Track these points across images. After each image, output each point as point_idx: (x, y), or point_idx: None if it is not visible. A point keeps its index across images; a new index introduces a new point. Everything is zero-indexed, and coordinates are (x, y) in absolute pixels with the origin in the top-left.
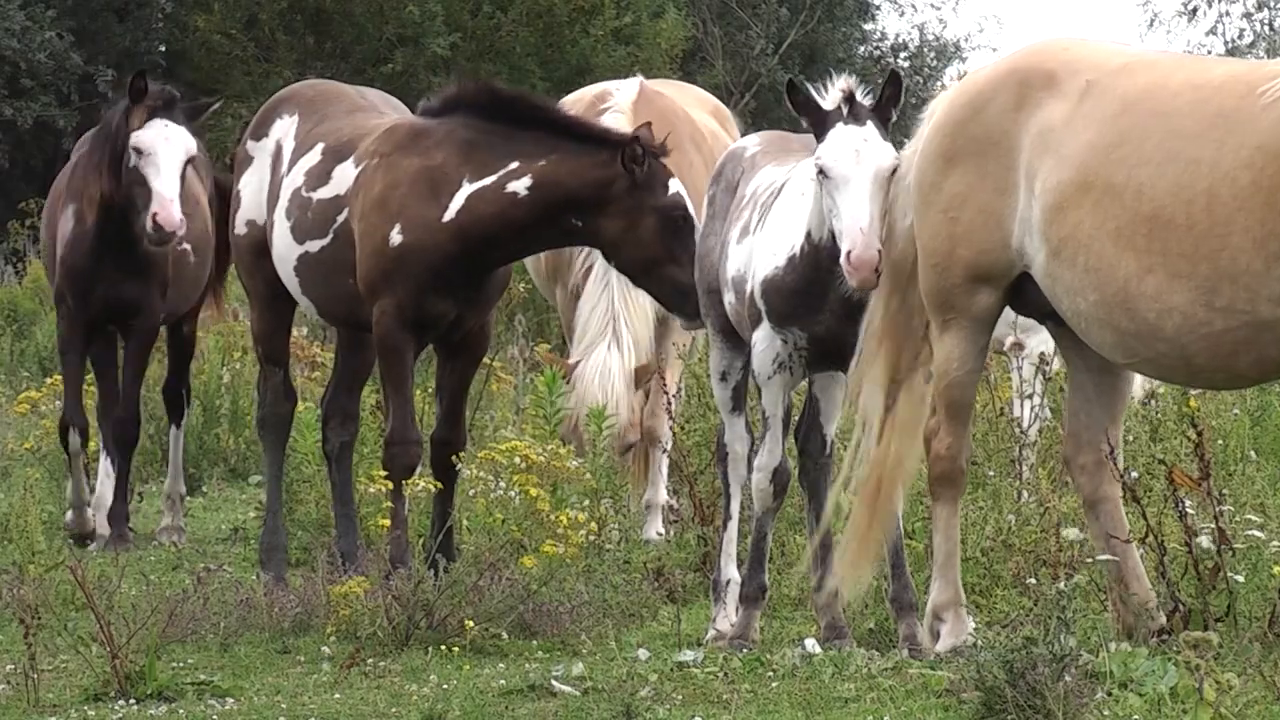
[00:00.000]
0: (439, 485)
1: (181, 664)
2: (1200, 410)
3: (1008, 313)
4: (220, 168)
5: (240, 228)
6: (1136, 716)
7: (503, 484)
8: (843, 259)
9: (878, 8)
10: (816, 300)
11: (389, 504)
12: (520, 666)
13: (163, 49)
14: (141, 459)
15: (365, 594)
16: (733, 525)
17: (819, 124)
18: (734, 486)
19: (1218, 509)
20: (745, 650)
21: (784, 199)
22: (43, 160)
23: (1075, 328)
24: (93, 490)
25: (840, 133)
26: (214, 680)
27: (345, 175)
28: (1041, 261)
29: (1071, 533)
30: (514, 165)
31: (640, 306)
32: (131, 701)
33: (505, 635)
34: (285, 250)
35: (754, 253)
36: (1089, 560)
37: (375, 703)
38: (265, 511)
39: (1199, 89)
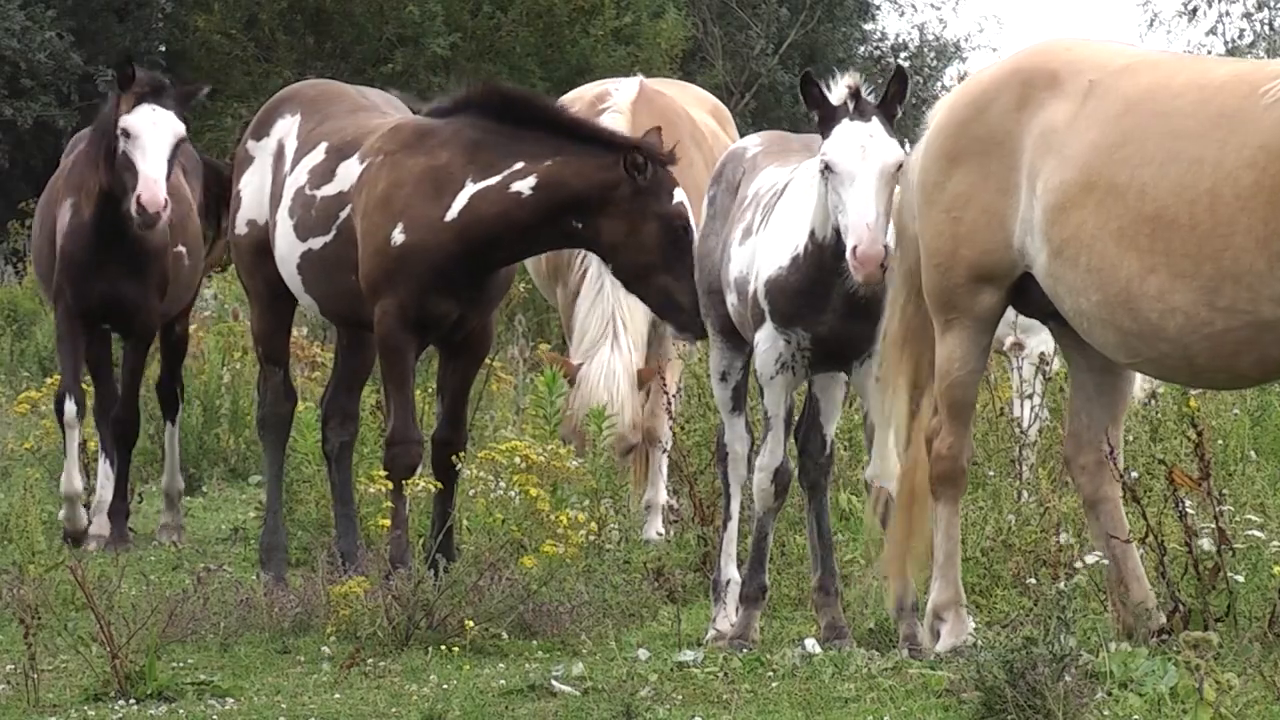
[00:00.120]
0: (439, 485)
1: (181, 664)
2: (1200, 410)
3: (1008, 312)
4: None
5: (241, 227)
6: (1136, 716)
7: (503, 484)
8: (849, 254)
9: (878, 8)
10: (820, 300)
11: (389, 504)
12: (520, 666)
13: (163, 49)
14: (141, 459)
15: (365, 594)
16: (733, 525)
17: (826, 119)
18: (734, 486)
19: (1218, 509)
20: (745, 650)
21: (787, 199)
22: (43, 160)
23: (1078, 328)
24: (91, 490)
25: (846, 129)
26: (214, 680)
27: (349, 172)
28: (1044, 262)
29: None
30: (519, 165)
31: (637, 307)
32: (131, 701)
33: (505, 635)
34: (288, 249)
35: (757, 253)
36: (1083, 562)
37: (375, 703)
38: (265, 511)
39: (1202, 89)
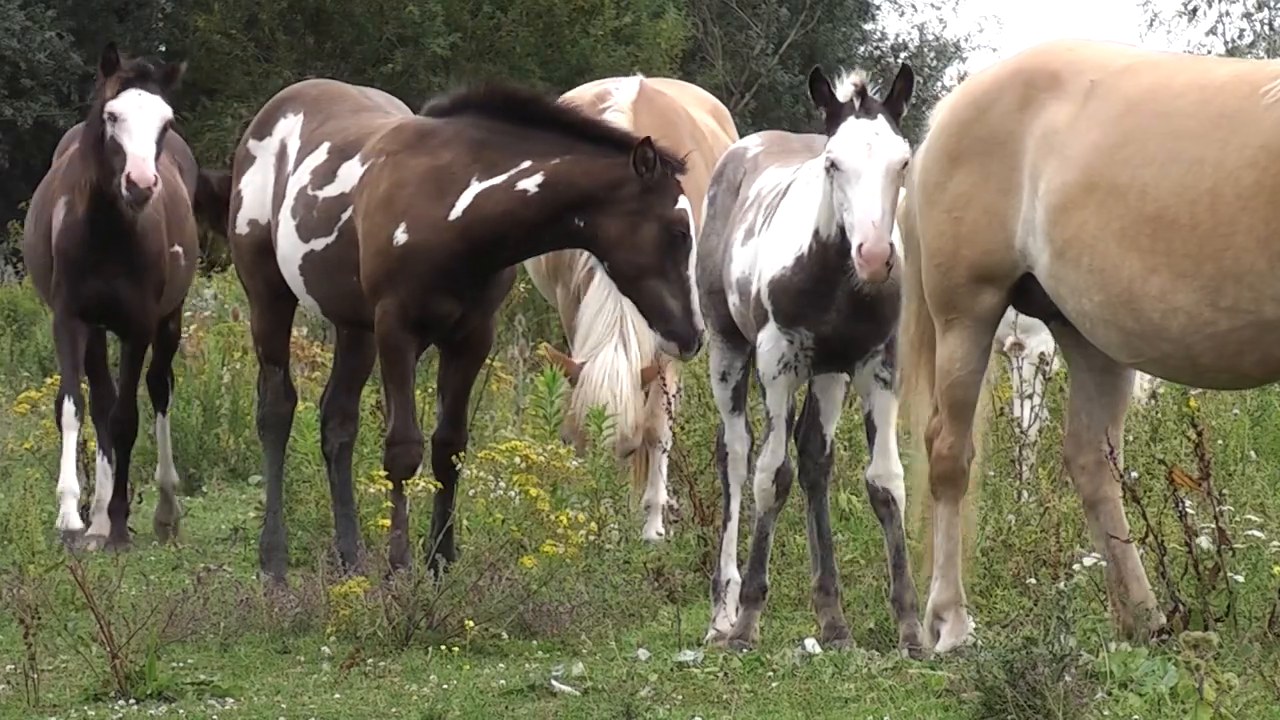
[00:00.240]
0: (439, 485)
1: (181, 664)
2: (1200, 410)
3: (1008, 312)
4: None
5: (242, 227)
6: (1136, 716)
7: (503, 484)
8: (854, 253)
9: (878, 8)
10: (824, 299)
11: (389, 504)
12: (520, 666)
13: (163, 49)
14: (141, 459)
15: (365, 594)
16: (733, 525)
17: (832, 117)
18: (734, 486)
19: (1218, 509)
20: (745, 650)
21: (790, 199)
22: (42, 160)
23: (1080, 328)
24: (90, 489)
25: (852, 126)
26: (214, 680)
27: (351, 173)
28: (1045, 262)
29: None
30: (526, 164)
31: None
32: (131, 701)
33: (505, 635)
34: (290, 249)
35: (759, 253)
36: (1082, 562)
37: (375, 703)
38: (265, 511)
39: (1203, 89)
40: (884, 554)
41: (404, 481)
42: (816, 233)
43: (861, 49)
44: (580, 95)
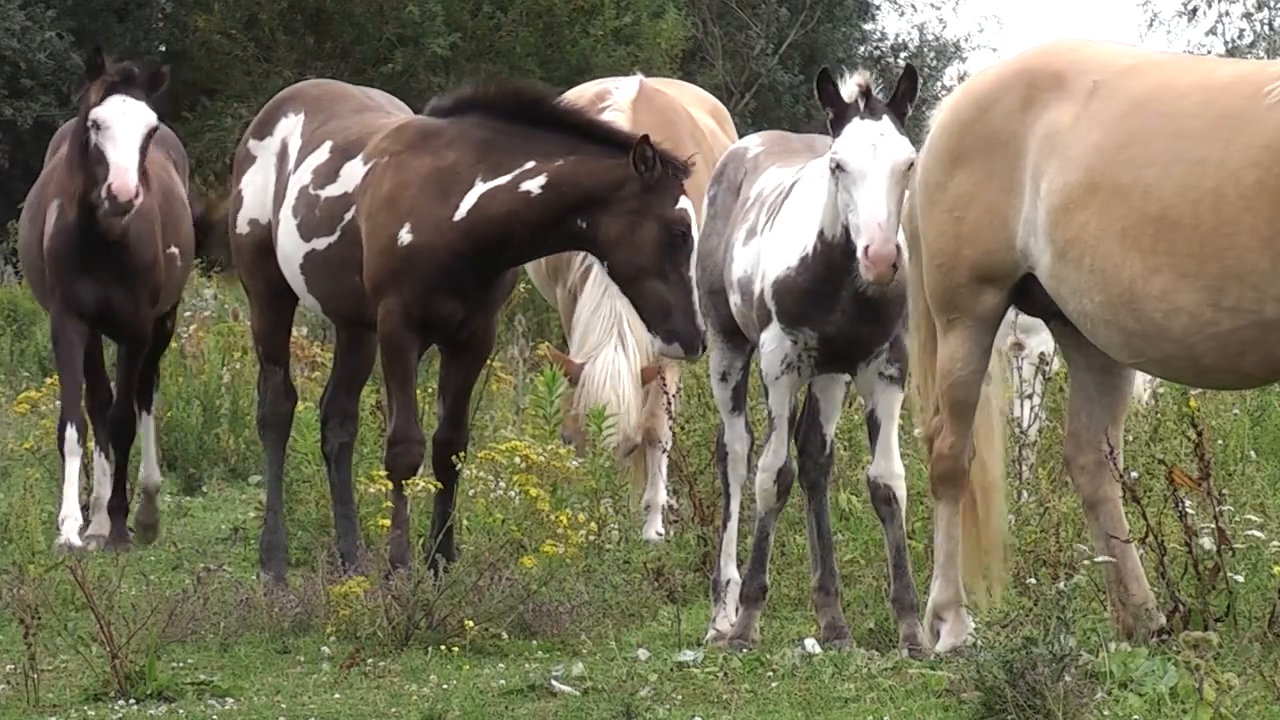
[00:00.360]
0: (439, 485)
1: (181, 664)
2: (1200, 410)
3: (1008, 312)
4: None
5: (243, 226)
6: (1136, 716)
7: (503, 484)
8: (860, 254)
9: (878, 8)
10: (829, 300)
11: (389, 504)
12: (520, 666)
13: (163, 49)
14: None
15: (365, 594)
16: (733, 525)
17: (837, 118)
18: (734, 486)
19: (1218, 509)
20: (745, 650)
21: (793, 199)
22: (42, 160)
23: (1081, 328)
24: (89, 490)
25: (857, 127)
26: (214, 680)
27: (354, 173)
28: (1047, 263)
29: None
30: (530, 164)
31: None
32: (131, 701)
33: (505, 635)
34: (291, 248)
35: (762, 254)
36: (1085, 561)
37: (375, 703)
38: (265, 511)
39: (1206, 89)
40: (884, 554)
41: (404, 481)
42: (821, 233)
43: (861, 49)
44: (580, 95)
